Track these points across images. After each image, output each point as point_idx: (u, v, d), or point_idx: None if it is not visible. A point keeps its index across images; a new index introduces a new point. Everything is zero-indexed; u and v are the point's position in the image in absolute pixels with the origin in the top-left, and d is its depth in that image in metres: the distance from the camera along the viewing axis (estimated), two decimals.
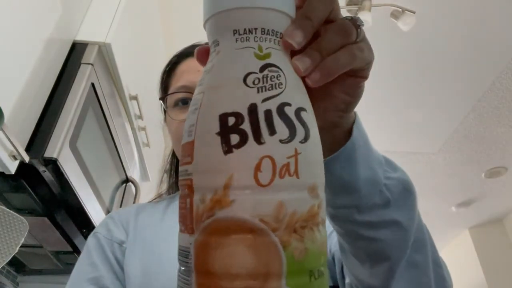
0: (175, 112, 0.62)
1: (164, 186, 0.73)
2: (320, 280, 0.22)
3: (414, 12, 1.82)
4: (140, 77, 1.53)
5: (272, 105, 0.22)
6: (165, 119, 0.70)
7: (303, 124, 0.23)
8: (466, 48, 2.10)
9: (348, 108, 0.33)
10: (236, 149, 0.21)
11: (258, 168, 0.21)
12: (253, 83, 0.22)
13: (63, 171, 0.92)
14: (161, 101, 0.66)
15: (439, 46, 2.09)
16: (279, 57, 0.24)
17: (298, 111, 0.23)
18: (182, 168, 0.24)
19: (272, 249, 0.20)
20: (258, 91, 0.22)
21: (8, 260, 0.96)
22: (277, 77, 0.23)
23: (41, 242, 1.26)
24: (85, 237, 1.24)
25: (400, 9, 1.83)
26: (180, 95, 0.62)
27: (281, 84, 0.23)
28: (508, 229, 3.86)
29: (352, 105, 0.33)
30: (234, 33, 0.24)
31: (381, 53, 2.22)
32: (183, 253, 0.23)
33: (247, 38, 0.24)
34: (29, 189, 0.95)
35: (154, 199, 0.72)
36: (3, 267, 1.36)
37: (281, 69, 0.23)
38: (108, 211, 1.27)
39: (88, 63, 1.07)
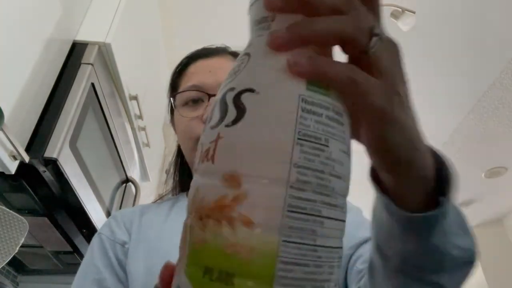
0: (185, 110, 0.64)
1: (168, 186, 0.73)
2: (220, 285, 0.18)
3: (414, 12, 1.82)
4: (140, 77, 1.53)
5: (220, 93, 0.22)
6: (171, 119, 0.71)
7: (237, 106, 0.20)
8: (466, 48, 2.10)
9: (379, 149, 0.25)
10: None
11: (197, 155, 0.23)
12: (229, 74, 0.23)
13: (63, 171, 0.92)
14: (171, 99, 0.67)
15: (438, 46, 2.09)
16: (258, 44, 0.23)
17: (240, 93, 0.21)
18: None
19: (184, 230, 0.21)
20: (225, 83, 0.23)
21: (8, 260, 0.96)
22: (239, 66, 0.23)
23: (41, 242, 1.26)
24: (85, 237, 1.24)
25: (400, 9, 1.83)
26: (192, 94, 0.63)
27: (238, 71, 0.22)
28: (508, 229, 3.86)
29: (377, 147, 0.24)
30: (256, 23, 0.24)
31: None
32: None
33: (265, 27, 0.23)
34: (29, 189, 0.95)
35: (158, 199, 0.72)
36: (3, 267, 1.36)
37: (250, 55, 0.22)
38: (108, 211, 1.27)
39: (88, 63, 1.07)
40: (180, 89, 0.65)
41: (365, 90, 0.21)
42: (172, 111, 0.69)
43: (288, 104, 0.20)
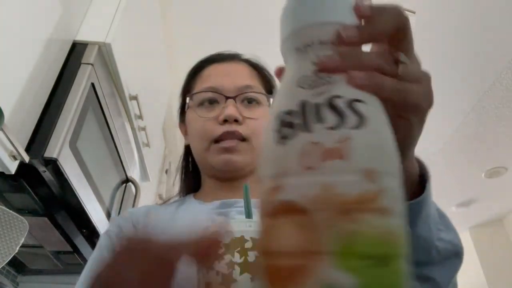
0: (201, 110, 0.65)
1: (175, 188, 0.73)
2: (384, 270, 0.21)
3: (414, 12, 1.82)
4: (140, 77, 1.53)
5: (322, 99, 0.24)
6: (180, 120, 0.72)
7: (356, 112, 0.23)
8: (466, 48, 2.11)
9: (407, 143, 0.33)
10: (289, 139, 0.23)
11: (304, 153, 0.22)
12: (306, 84, 0.25)
13: (63, 171, 0.92)
14: (187, 99, 0.67)
15: (438, 46, 2.10)
16: None
17: (351, 101, 0.23)
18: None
19: (319, 229, 0.21)
20: (310, 89, 0.24)
21: (8, 260, 0.96)
22: (329, 76, 0.25)
23: (41, 242, 1.26)
24: (85, 237, 1.24)
25: None
26: (208, 95, 0.64)
27: (333, 81, 0.24)
28: (508, 229, 3.86)
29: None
30: (296, 51, 0.27)
31: None
32: None
33: (306, 51, 0.26)
34: (29, 189, 0.95)
35: (166, 201, 0.72)
36: (3, 267, 1.36)
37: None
38: (108, 211, 1.27)
39: (88, 63, 1.07)
40: (195, 91, 0.66)
41: (411, 96, 0.27)
42: (182, 112, 0.70)
43: None
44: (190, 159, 0.72)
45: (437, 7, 1.89)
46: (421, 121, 0.32)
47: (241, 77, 0.66)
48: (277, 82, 0.35)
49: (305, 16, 0.27)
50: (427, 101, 0.29)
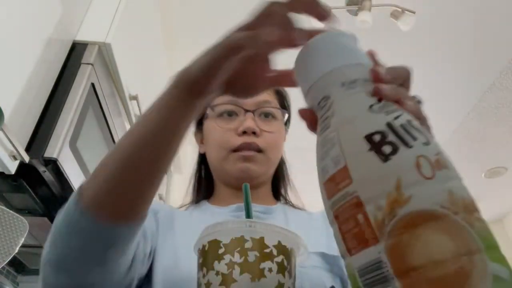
0: (220, 121, 0.68)
1: (189, 195, 0.75)
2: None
3: (414, 12, 1.82)
4: (140, 77, 1.53)
5: (402, 121, 0.28)
6: (197, 129, 0.75)
7: (426, 131, 0.29)
8: (466, 48, 2.11)
9: None
10: (393, 155, 0.25)
11: (418, 165, 0.25)
12: (379, 110, 0.28)
13: (63, 171, 0.92)
14: (208, 110, 0.71)
15: (438, 46, 2.10)
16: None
17: (417, 123, 0.29)
18: (339, 195, 0.27)
19: (462, 229, 0.23)
20: (386, 114, 0.28)
21: (8, 260, 0.96)
22: (391, 104, 0.29)
23: (41, 242, 1.26)
24: None
25: (400, 9, 1.83)
26: (228, 107, 0.68)
27: (397, 108, 0.29)
28: (508, 229, 3.86)
29: None
30: (342, 85, 0.30)
31: (381, 53, 2.21)
32: (371, 269, 0.24)
33: (354, 86, 0.30)
34: (29, 189, 0.95)
35: (181, 207, 0.74)
36: (3, 267, 1.36)
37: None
38: None
39: (88, 63, 1.07)
40: (217, 101, 0.69)
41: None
42: (200, 122, 0.72)
43: None
44: (204, 167, 0.75)
45: (437, 7, 1.89)
46: None
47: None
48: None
49: (345, 59, 0.32)
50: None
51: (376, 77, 0.31)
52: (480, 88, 2.37)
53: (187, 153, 3.02)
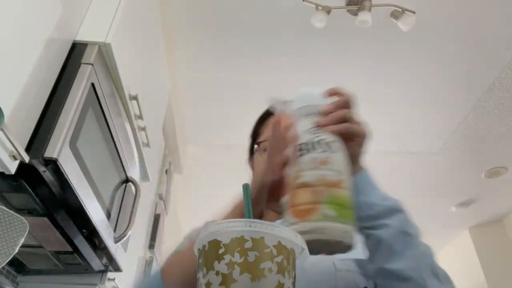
0: (264, 155, 0.75)
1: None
2: (343, 209, 0.48)
3: (414, 12, 1.82)
4: (140, 77, 1.53)
5: (317, 139, 0.52)
6: (249, 158, 0.86)
7: (331, 146, 0.51)
8: (466, 48, 2.11)
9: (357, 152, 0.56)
10: (303, 155, 0.51)
11: (311, 161, 0.50)
12: (310, 132, 0.53)
13: (63, 171, 0.92)
14: (255, 145, 0.83)
15: (439, 46, 2.10)
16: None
17: (330, 142, 0.51)
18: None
19: (318, 193, 0.48)
20: (312, 134, 0.52)
21: (8, 260, 0.96)
22: (319, 130, 0.53)
23: (41, 242, 1.25)
24: (85, 237, 1.24)
25: (400, 9, 1.83)
26: None
27: (321, 131, 0.52)
28: (508, 229, 3.86)
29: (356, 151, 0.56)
30: (305, 116, 0.55)
31: (381, 53, 2.22)
32: (285, 205, 0.50)
33: (309, 117, 0.54)
34: (29, 189, 0.95)
35: None
36: (3, 267, 1.36)
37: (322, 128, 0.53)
38: (108, 211, 1.27)
39: (88, 63, 1.07)
40: (263, 137, 0.81)
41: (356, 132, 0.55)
42: (251, 153, 0.84)
43: None
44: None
45: (437, 7, 1.89)
46: (361, 145, 0.55)
47: None
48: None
49: (307, 101, 0.55)
50: (364, 134, 0.55)
51: (322, 112, 0.54)
52: (480, 88, 2.37)
53: (187, 153, 3.03)
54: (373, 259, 0.53)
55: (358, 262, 0.63)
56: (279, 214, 0.75)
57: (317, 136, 0.50)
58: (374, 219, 0.53)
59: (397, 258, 0.50)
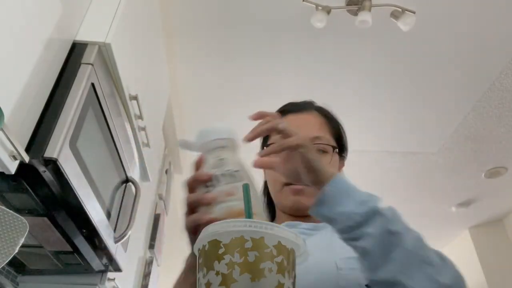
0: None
1: None
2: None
3: (414, 12, 1.82)
4: (140, 77, 1.53)
5: (221, 171, 0.51)
6: None
7: (238, 175, 0.50)
8: (466, 48, 2.11)
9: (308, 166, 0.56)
10: (210, 188, 0.50)
11: (218, 194, 0.49)
12: (215, 165, 0.52)
13: (63, 171, 0.92)
14: (264, 147, 0.82)
15: (439, 46, 2.10)
16: (228, 155, 0.53)
17: (236, 171, 0.50)
18: None
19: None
20: (217, 168, 0.51)
21: (8, 260, 0.96)
22: (224, 162, 0.52)
23: (41, 242, 1.25)
24: (85, 237, 1.24)
25: (400, 9, 1.83)
26: None
27: (226, 164, 0.51)
28: (508, 229, 3.86)
29: (306, 167, 0.56)
30: (211, 151, 0.53)
31: (381, 53, 2.22)
32: None
33: (213, 151, 0.54)
34: (29, 189, 0.95)
35: None
36: (3, 267, 1.36)
37: (227, 159, 0.52)
38: (108, 211, 1.27)
39: (88, 63, 1.07)
40: (272, 139, 0.78)
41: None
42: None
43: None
44: (268, 193, 0.83)
45: (437, 7, 1.89)
46: (304, 155, 0.55)
47: (311, 128, 0.78)
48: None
49: (210, 136, 0.53)
50: (298, 145, 0.55)
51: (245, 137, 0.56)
52: (480, 88, 2.37)
53: (187, 153, 3.03)
54: (363, 270, 0.53)
55: None
56: (293, 217, 0.76)
57: (221, 169, 0.49)
58: (354, 229, 0.52)
59: (384, 265, 0.49)
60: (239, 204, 0.44)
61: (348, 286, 0.58)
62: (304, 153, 0.54)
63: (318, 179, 0.55)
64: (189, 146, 0.55)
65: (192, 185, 0.51)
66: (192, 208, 0.50)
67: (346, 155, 0.84)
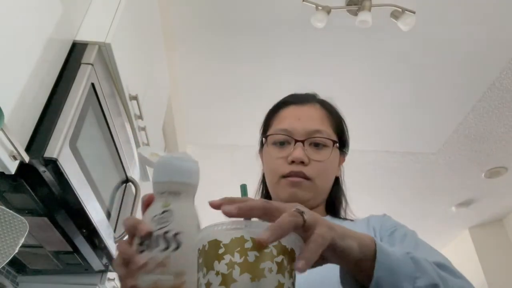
0: (273, 149, 0.76)
1: None
2: None
3: (414, 12, 1.82)
4: (140, 77, 1.53)
5: (161, 232, 0.41)
6: (260, 150, 0.83)
7: (177, 241, 0.41)
8: (466, 48, 2.11)
9: (342, 256, 0.43)
10: (142, 252, 0.41)
11: (148, 262, 0.40)
12: (156, 220, 0.42)
13: (63, 171, 0.92)
14: (264, 138, 0.80)
15: (439, 46, 2.10)
16: (177, 206, 0.43)
17: (176, 234, 0.41)
18: None
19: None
20: (157, 224, 0.42)
21: (8, 260, 0.96)
22: (168, 217, 0.42)
23: (41, 242, 1.26)
24: (85, 237, 1.24)
25: (400, 9, 1.83)
26: (281, 137, 0.75)
27: (169, 221, 0.42)
28: (508, 229, 3.86)
29: (340, 257, 0.43)
30: (159, 194, 0.45)
31: (381, 53, 2.22)
32: None
33: (162, 196, 0.44)
34: (29, 189, 0.95)
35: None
36: (3, 267, 1.36)
37: (173, 212, 0.43)
38: (108, 211, 1.27)
39: (88, 63, 1.07)
40: (272, 129, 0.77)
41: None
42: (262, 145, 0.81)
43: None
44: (265, 185, 0.82)
45: (437, 7, 1.89)
46: (319, 235, 0.40)
47: (312, 121, 0.76)
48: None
49: (163, 177, 0.45)
50: (302, 223, 0.39)
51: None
52: (480, 88, 2.37)
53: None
54: None
55: None
56: None
57: (161, 227, 0.41)
58: None
59: None
60: (168, 281, 0.39)
61: None
62: (337, 244, 0.42)
63: (362, 262, 0.45)
64: (148, 163, 0.51)
65: (131, 232, 0.43)
66: (123, 258, 0.43)
67: (348, 150, 0.82)
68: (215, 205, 0.40)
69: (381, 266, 0.44)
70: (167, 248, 0.40)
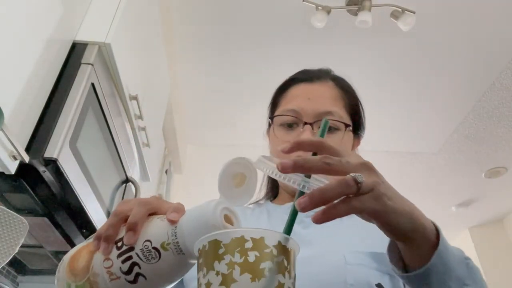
0: (280, 131, 0.70)
1: (262, 193, 0.79)
2: None
3: (414, 12, 1.82)
4: (140, 77, 1.53)
5: (136, 259, 0.41)
6: (267, 129, 0.77)
7: (136, 279, 0.41)
8: (466, 48, 2.11)
9: (389, 231, 0.39)
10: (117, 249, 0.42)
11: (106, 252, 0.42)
12: (147, 248, 0.42)
13: (63, 171, 0.92)
14: (270, 118, 0.74)
15: (439, 46, 2.10)
16: (171, 259, 0.42)
17: (140, 274, 0.41)
18: None
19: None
20: (144, 251, 0.42)
21: (8, 260, 0.96)
22: (155, 259, 0.41)
23: (41, 242, 1.26)
24: (85, 237, 1.24)
25: (400, 9, 1.83)
26: (288, 119, 0.69)
27: (151, 262, 0.41)
28: (508, 229, 3.86)
29: (387, 231, 0.39)
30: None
31: (381, 53, 2.22)
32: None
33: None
34: (29, 189, 0.95)
35: (254, 202, 0.78)
36: (3, 267, 1.36)
37: (163, 261, 0.41)
38: (108, 211, 1.27)
39: (88, 63, 1.07)
40: (279, 110, 0.71)
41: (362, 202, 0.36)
42: (269, 124, 0.74)
43: None
44: None
45: (437, 7, 1.89)
46: (377, 195, 0.37)
47: (323, 102, 0.69)
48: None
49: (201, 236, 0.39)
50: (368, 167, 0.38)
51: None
52: (480, 88, 2.37)
53: (186, 153, 3.03)
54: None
55: (374, 256, 0.56)
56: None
57: (139, 257, 0.41)
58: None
59: None
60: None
61: (357, 284, 0.52)
62: (381, 217, 0.38)
63: (412, 253, 0.43)
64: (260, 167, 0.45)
65: (129, 227, 0.41)
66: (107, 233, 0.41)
67: (363, 132, 0.75)
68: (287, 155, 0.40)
69: (439, 254, 0.41)
70: (125, 273, 0.41)
